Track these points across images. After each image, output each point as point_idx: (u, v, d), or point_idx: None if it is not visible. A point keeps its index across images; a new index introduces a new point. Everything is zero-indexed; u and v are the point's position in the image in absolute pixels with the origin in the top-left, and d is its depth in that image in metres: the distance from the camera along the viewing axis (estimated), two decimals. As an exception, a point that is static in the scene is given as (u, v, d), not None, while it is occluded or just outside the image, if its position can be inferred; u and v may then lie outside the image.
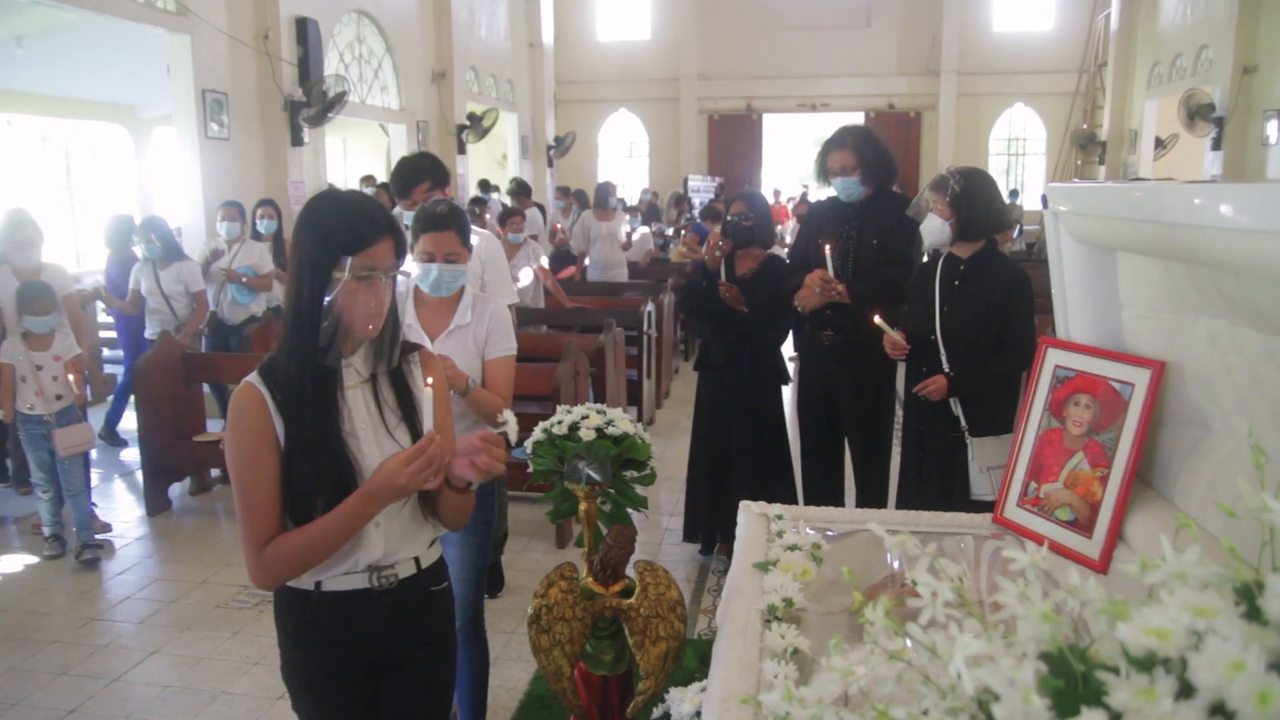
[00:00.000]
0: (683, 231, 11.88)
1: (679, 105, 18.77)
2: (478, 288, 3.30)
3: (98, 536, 4.59)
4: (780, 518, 2.08)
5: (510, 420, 1.90)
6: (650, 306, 6.89)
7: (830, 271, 3.63)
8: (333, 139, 13.59)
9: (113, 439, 6.43)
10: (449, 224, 2.53)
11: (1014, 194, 15.23)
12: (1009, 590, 0.77)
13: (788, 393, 4.38)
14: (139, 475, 5.28)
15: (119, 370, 7.62)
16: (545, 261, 7.20)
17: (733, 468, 4.08)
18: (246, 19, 8.60)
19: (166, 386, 5.24)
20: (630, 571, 2.23)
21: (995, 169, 17.66)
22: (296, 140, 9.09)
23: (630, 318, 6.66)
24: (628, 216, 8.94)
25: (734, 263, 4.04)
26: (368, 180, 10.91)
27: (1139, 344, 1.91)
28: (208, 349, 6.16)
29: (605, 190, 9.02)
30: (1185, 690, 0.63)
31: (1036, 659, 0.71)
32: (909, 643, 0.83)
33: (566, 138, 17.08)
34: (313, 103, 9.05)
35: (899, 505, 3.56)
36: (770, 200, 8.72)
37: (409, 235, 2.52)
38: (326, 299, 1.65)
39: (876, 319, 3.18)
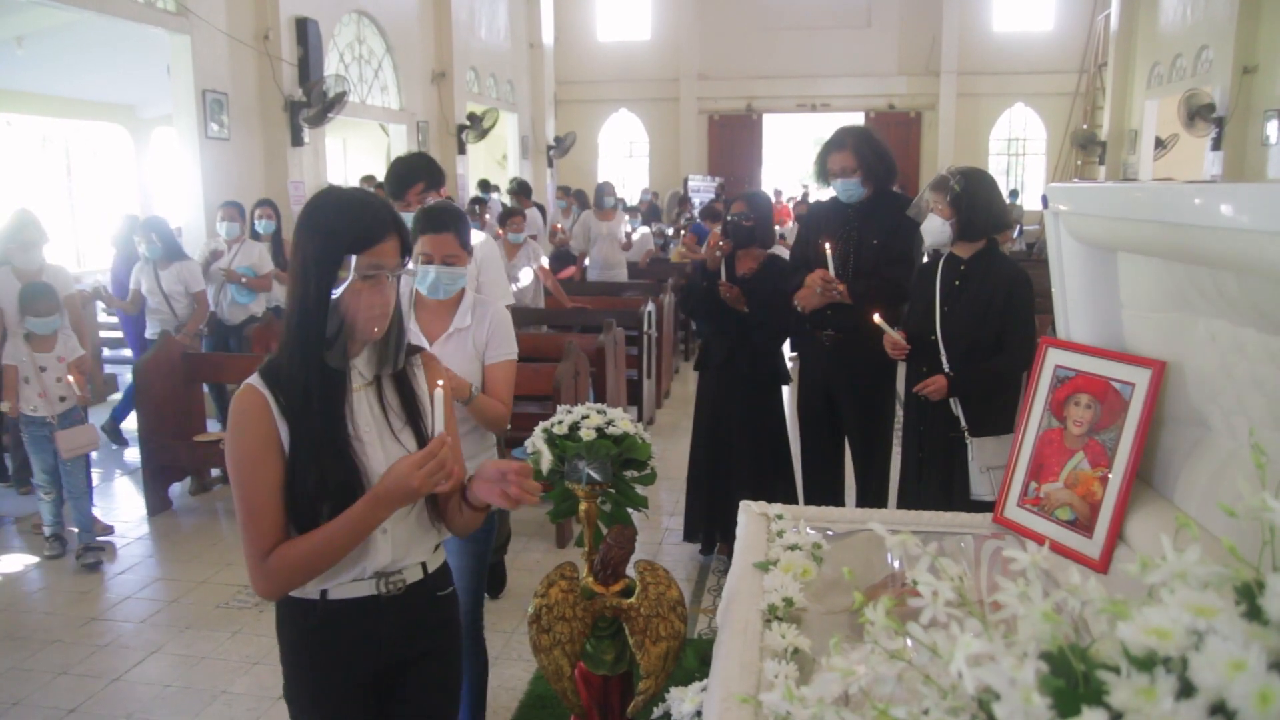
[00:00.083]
0: (682, 232, 11.89)
1: (679, 105, 18.77)
2: (473, 289, 3.27)
3: (99, 539, 4.57)
4: (780, 517, 2.09)
5: (544, 451, 1.79)
6: (650, 306, 6.89)
7: (831, 272, 3.63)
8: (333, 139, 13.60)
9: (116, 436, 6.43)
10: (448, 225, 2.50)
11: (1014, 194, 15.24)
12: (1010, 590, 0.78)
13: (788, 393, 4.39)
14: (139, 475, 5.28)
15: (119, 370, 7.63)
16: (545, 261, 7.20)
17: (733, 467, 4.08)
18: (246, 19, 8.60)
19: (167, 386, 5.24)
20: (631, 571, 2.23)
21: (995, 169, 17.66)
22: (297, 140, 9.09)
23: (630, 318, 6.66)
24: (626, 217, 8.93)
25: (734, 263, 4.04)
26: (368, 180, 10.91)
27: (1139, 344, 1.92)
28: (207, 349, 6.16)
29: (603, 190, 9.03)
30: (1186, 690, 0.63)
31: (1037, 658, 0.71)
32: (909, 642, 0.83)
33: (566, 138, 17.08)
34: (313, 103, 9.05)
35: (899, 505, 3.56)
36: (772, 199, 8.72)
37: None
38: (332, 298, 1.60)
39: (876, 318, 3.18)
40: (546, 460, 1.76)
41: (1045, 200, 2.12)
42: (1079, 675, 0.70)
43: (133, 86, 11.46)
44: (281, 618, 1.75)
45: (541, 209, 11.80)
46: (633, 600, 2.13)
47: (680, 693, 1.39)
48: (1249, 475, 1.53)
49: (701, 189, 16.29)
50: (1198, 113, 12.14)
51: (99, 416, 6.41)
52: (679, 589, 2.18)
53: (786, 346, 4.18)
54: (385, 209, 1.66)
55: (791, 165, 20.60)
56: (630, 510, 2.46)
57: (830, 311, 3.73)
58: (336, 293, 1.59)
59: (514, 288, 6.31)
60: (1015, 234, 11.92)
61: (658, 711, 1.45)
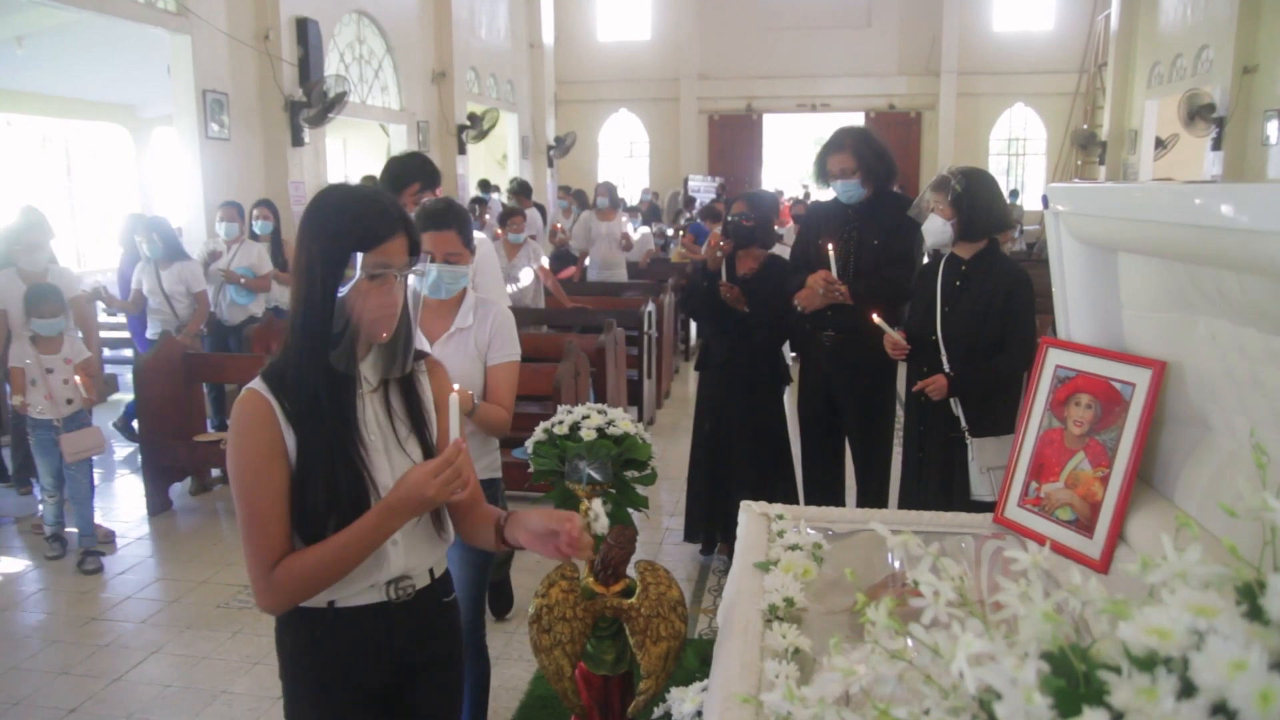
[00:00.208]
0: (681, 232, 11.89)
1: (679, 105, 18.77)
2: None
3: (100, 549, 4.54)
4: (781, 517, 2.09)
5: (600, 513, 1.71)
6: (651, 306, 6.89)
7: (833, 272, 3.63)
8: (333, 139, 13.60)
9: (131, 434, 6.43)
10: (450, 222, 2.44)
11: (1014, 194, 15.24)
12: (1010, 590, 0.78)
13: (788, 393, 4.39)
14: (139, 475, 5.28)
15: (120, 370, 7.63)
16: (545, 261, 7.21)
17: (733, 468, 4.08)
18: (247, 19, 8.60)
19: (167, 387, 5.24)
20: (631, 571, 2.23)
21: (995, 169, 17.66)
22: (297, 140, 9.10)
23: (631, 318, 6.66)
24: (625, 217, 8.93)
25: (735, 262, 4.04)
26: (368, 181, 10.91)
27: (1140, 344, 1.92)
28: (207, 350, 6.16)
29: (600, 190, 9.03)
30: (1187, 689, 0.64)
31: (1038, 658, 0.71)
32: (910, 642, 0.83)
33: (567, 138, 17.09)
34: (313, 103, 9.06)
35: (900, 506, 3.56)
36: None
37: None
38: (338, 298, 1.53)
39: (876, 318, 3.18)
40: (602, 523, 1.67)
41: (1045, 200, 2.12)
42: (1080, 675, 0.70)
43: (133, 86, 11.47)
44: (283, 629, 1.67)
45: (541, 209, 11.81)
46: (633, 600, 2.13)
47: (681, 693, 1.39)
48: (1250, 475, 1.53)
49: (702, 189, 16.30)
50: (1198, 113, 12.15)
51: (101, 417, 6.42)
52: (679, 589, 2.18)
53: (787, 346, 4.17)
54: (393, 206, 1.60)
55: (792, 165, 20.60)
56: (631, 510, 2.46)
57: (830, 312, 3.73)
58: (342, 292, 1.52)
59: (514, 288, 6.32)
60: (1016, 234, 11.92)
61: (658, 711, 1.45)
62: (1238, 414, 1.66)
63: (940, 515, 2.18)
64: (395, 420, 1.65)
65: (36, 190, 11.24)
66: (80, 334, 4.71)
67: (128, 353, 7.18)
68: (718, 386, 4.14)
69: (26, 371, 4.32)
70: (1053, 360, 2.06)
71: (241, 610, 3.96)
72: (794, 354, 4.39)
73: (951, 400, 3.17)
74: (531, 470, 2.48)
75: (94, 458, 4.59)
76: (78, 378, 4.38)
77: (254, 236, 6.63)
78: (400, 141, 12.21)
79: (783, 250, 4.78)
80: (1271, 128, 11.20)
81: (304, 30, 9.06)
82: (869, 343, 3.41)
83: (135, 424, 6.46)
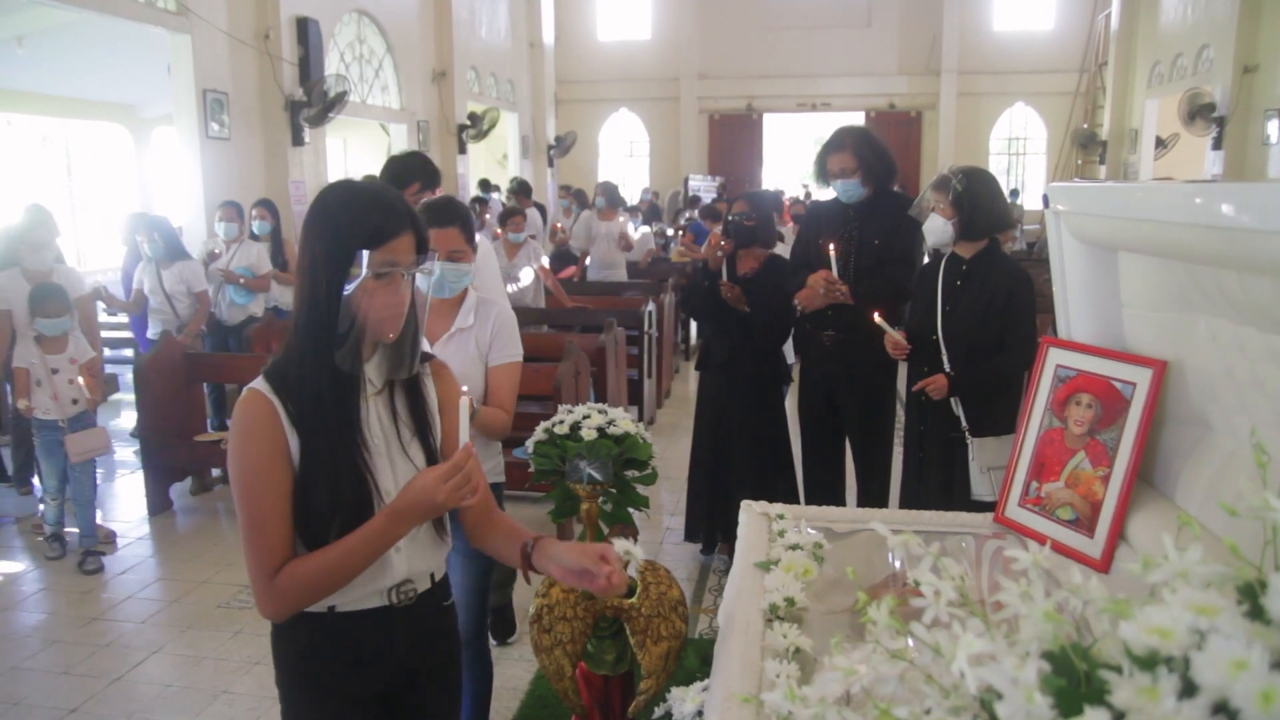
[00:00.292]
0: (681, 232, 11.89)
1: (679, 105, 18.78)
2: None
3: (101, 550, 4.53)
4: (782, 517, 2.09)
5: (635, 553, 1.66)
6: (651, 306, 6.89)
7: (834, 272, 3.62)
8: (333, 139, 13.60)
9: None
10: (453, 219, 2.40)
11: (1014, 193, 15.25)
12: (1011, 589, 0.78)
13: (789, 392, 4.39)
14: (140, 475, 5.28)
15: (120, 370, 7.63)
16: (546, 261, 7.21)
17: (734, 467, 4.08)
18: (247, 19, 8.60)
19: (168, 386, 5.24)
20: (632, 571, 2.23)
21: (996, 168, 17.66)
22: (297, 140, 9.10)
23: (631, 317, 6.66)
24: (623, 217, 8.93)
25: (735, 262, 4.04)
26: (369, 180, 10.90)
27: (1140, 343, 1.92)
28: (207, 350, 6.15)
29: (609, 189, 9.03)
30: (1188, 689, 0.63)
31: (1039, 658, 0.71)
32: (911, 642, 0.83)
33: (567, 137, 17.09)
34: (313, 102, 9.06)
35: (900, 505, 3.56)
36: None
37: None
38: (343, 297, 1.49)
39: (876, 318, 3.18)
40: (636, 564, 1.61)
41: (1046, 199, 2.12)
42: (1081, 675, 0.70)
43: (133, 86, 11.47)
44: (281, 634, 1.62)
45: (542, 209, 11.81)
46: (634, 600, 2.13)
47: (681, 692, 1.39)
48: (1250, 474, 1.53)
49: (702, 188, 16.30)
50: (1198, 112, 12.14)
51: (101, 417, 6.42)
52: (680, 589, 2.18)
53: (789, 346, 4.17)
54: (400, 202, 1.55)
55: (792, 165, 20.60)
56: (631, 510, 2.46)
57: (831, 311, 3.73)
58: (348, 290, 1.48)
59: (514, 287, 6.32)
60: (1016, 233, 11.92)
61: (659, 711, 1.45)
62: (1238, 413, 1.66)
63: (941, 515, 2.18)
64: (399, 424, 1.61)
65: (37, 190, 11.25)
66: (86, 334, 4.70)
67: (128, 352, 7.18)
68: (718, 386, 4.14)
69: (31, 372, 4.29)
70: (1053, 360, 2.06)
71: (242, 610, 3.96)
72: (796, 356, 4.38)
73: (952, 400, 3.17)
74: (532, 470, 2.48)
75: (96, 458, 4.58)
76: (81, 378, 4.37)
77: (254, 237, 6.63)
78: (401, 141, 12.21)
79: (784, 250, 4.78)
80: (1272, 127, 11.20)
81: (304, 30, 9.06)
82: (869, 342, 3.41)
83: None
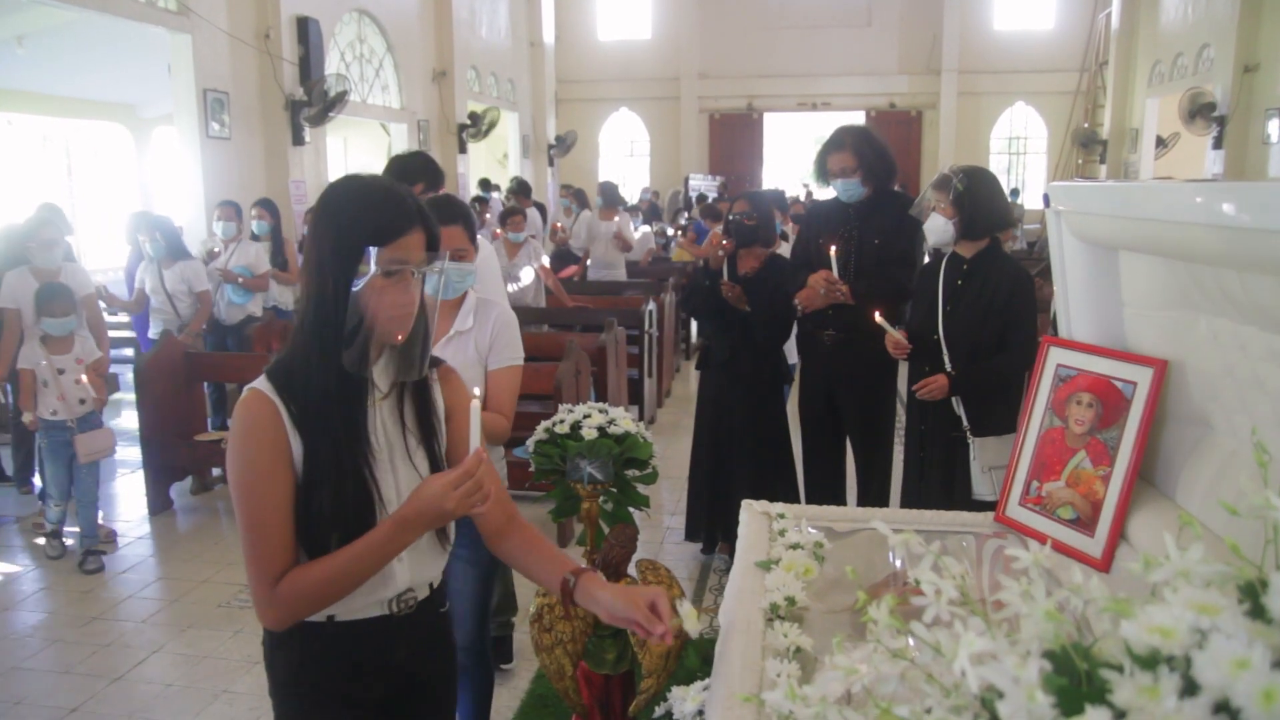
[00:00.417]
0: (680, 231, 11.89)
1: (680, 104, 18.78)
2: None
3: (101, 549, 4.52)
4: (782, 516, 2.09)
5: (689, 613, 1.56)
6: (651, 305, 6.89)
7: (835, 273, 3.62)
8: (334, 138, 13.61)
9: None
10: (456, 217, 2.34)
11: (1015, 193, 15.25)
12: (1012, 589, 0.78)
13: (789, 392, 4.39)
14: (140, 475, 5.28)
15: (120, 370, 7.63)
16: (546, 260, 7.21)
17: (734, 467, 4.08)
18: (247, 18, 8.60)
19: (168, 386, 5.24)
20: (632, 570, 2.23)
21: (996, 168, 17.65)
22: (298, 140, 9.10)
23: (631, 317, 6.66)
24: (618, 218, 8.95)
25: (736, 261, 4.04)
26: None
27: (1141, 342, 1.91)
28: (205, 350, 6.15)
29: (608, 189, 9.04)
30: (1189, 688, 0.63)
31: (1040, 657, 0.71)
32: (912, 641, 0.83)
33: (567, 137, 17.09)
34: (314, 102, 9.06)
35: (901, 505, 3.56)
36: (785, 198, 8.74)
37: None
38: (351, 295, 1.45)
39: (877, 317, 3.17)
40: (692, 624, 1.51)
41: (1046, 199, 2.12)
42: (1082, 674, 0.70)
43: (133, 86, 11.48)
44: (277, 643, 1.56)
45: (542, 208, 11.82)
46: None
47: (682, 692, 1.38)
48: (1251, 474, 1.53)
49: (703, 188, 16.30)
50: (1199, 111, 12.14)
51: (104, 417, 6.42)
52: (680, 588, 2.18)
53: (790, 346, 4.17)
54: (410, 199, 1.50)
55: (792, 164, 20.60)
56: (632, 509, 2.46)
57: (831, 311, 3.73)
58: (355, 288, 1.43)
59: (515, 287, 6.32)
60: (1016, 233, 11.92)
61: (659, 711, 1.45)
62: (1239, 413, 1.66)
63: (941, 514, 2.18)
64: (405, 430, 1.56)
65: (37, 190, 11.25)
66: (92, 333, 4.69)
67: (128, 352, 7.18)
68: (719, 386, 4.14)
69: (37, 373, 4.27)
70: (1054, 359, 2.06)
71: (242, 610, 3.96)
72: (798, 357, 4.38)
73: (953, 399, 3.17)
74: (532, 469, 2.48)
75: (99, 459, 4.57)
76: (85, 377, 4.35)
77: (254, 237, 6.63)
78: (401, 140, 12.21)
79: (787, 250, 4.78)
80: (1272, 126, 11.20)
81: (304, 29, 9.06)
82: (869, 342, 3.41)
83: None
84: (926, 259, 3.73)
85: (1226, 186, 1.40)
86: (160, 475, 5.21)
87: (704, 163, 18.86)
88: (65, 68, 10.10)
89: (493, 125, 13.73)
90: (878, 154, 3.71)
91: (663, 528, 4.79)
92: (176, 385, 5.30)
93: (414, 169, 3.26)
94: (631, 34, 18.87)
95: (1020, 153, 18.90)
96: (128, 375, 7.05)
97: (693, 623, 1.50)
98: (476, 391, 1.49)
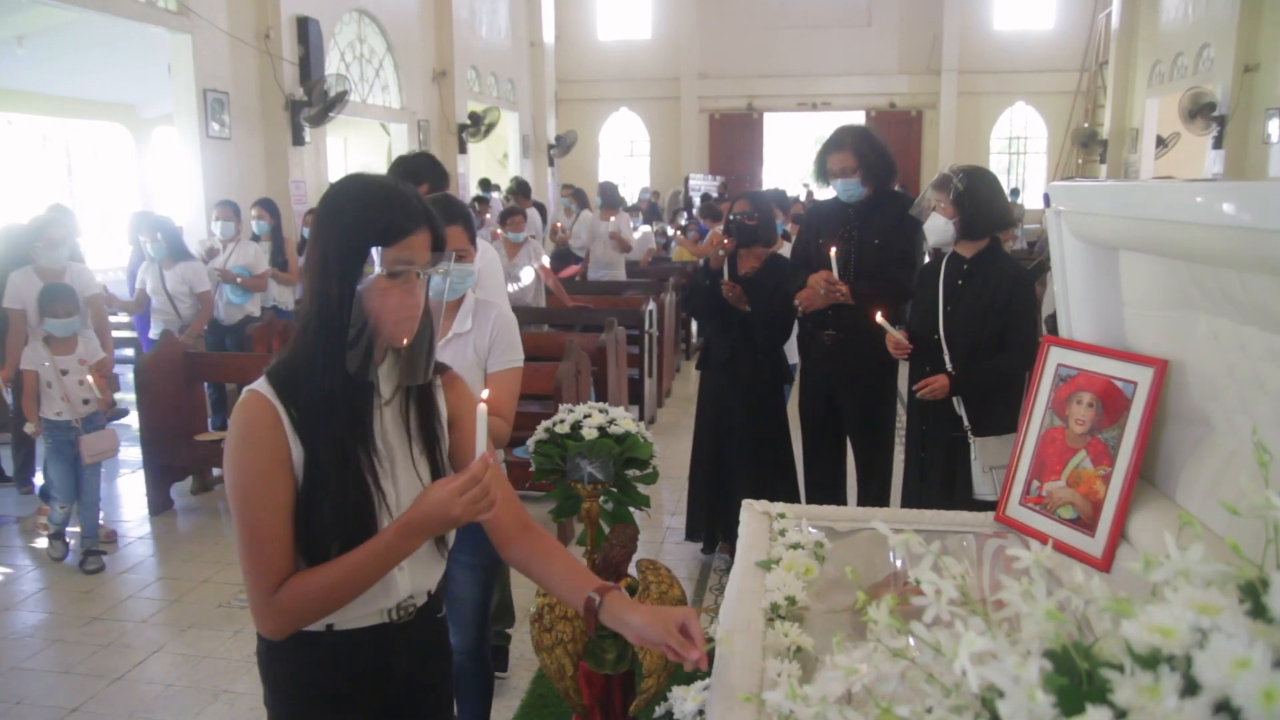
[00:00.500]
0: (679, 231, 11.89)
1: (680, 104, 18.78)
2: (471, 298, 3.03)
3: (102, 549, 4.51)
4: (783, 516, 2.09)
5: (724, 638, 1.53)
6: (652, 305, 6.89)
7: (835, 273, 3.62)
8: (334, 138, 13.61)
9: None
10: (455, 217, 2.29)
11: (1015, 193, 15.25)
12: (1013, 588, 0.78)
13: (789, 392, 4.39)
14: (140, 475, 5.28)
15: (121, 369, 7.63)
16: (546, 260, 7.21)
17: (734, 466, 4.08)
18: (247, 18, 8.60)
19: (168, 386, 5.24)
20: (633, 570, 2.23)
21: (996, 168, 17.64)
22: (298, 140, 9.10)
23: (632, 316, 6.66)
24: (613, 217, 8.96)
25: (737, 261, 4.04)
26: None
27: (1141, 342, 1.92)
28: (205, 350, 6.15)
29: (606, 189, 9.05)
30: (1190, 688, 0.63)
31: (1041, 656, 0.71)
32: (912, 641, 0.83)
33: (567, 137, 17.09)
34: (314, 102, 9.06)
35: (902, 505, 3.56)
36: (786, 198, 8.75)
37: None
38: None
39: (878, 318, 3.17)
40: (728, 646, 1.47)
41: (1047, 198, 2.12)
42: (1083, 673, 0.70)
43: (133, 86, 11.48)
44: (273, 654, 1.52)
45: (541, 208, 11.82)
46: (635, 599, 2.13)
47: (682, 691, 1.38)
48: (1251, 474, 1.53)
49: (703, 188, 16.30)
50: (1199, 111, 12.14)
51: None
52: (681, 588, 2.18)
53: (791, 346, 4.18)
54: (416, 198, 1.46)
55: (793, 164, 20.61)
56: (632, 509, 2.46)
57: (831, 311, 3.73)
58: (359, 289, 1.40)
59: (515, 287, 6.32)
60: (1017, 232, 11.91)
61: (660, 710, 1.45)
62: (1239, 412, 1.66)
63: (941, 514, 2.18)
64: (408, 435, 1.52)
65: (37, 190, 11.26)
66: (97, 334, 4.69)
67: (129, 352, 7.18)
68: (719, 385, 4.14)
69: (41, 375, 4.26)
70: (1054, 359, 2.06)
71: (243, 609, 3.96)
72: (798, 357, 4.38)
73: (954, 399, 3.17)
74: (533, 469, 2.48)
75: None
76: (90, 378, 4.33)
77: (255, 238, 6.63)
78: (401, 140, 12.21)
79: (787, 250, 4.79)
80: (1272, 126, 11.20)
81: (304, 29, 9.06)
82: (869, 342, 3.41)
83: None
84: (926, 259, 3.73)
85: (1226, 186, 1.40)
86: (160, 475, 5.21)
87: (704, 163, 18.87)
88: (65, 68, 10.10)
89: (493, 125, 13.73)
90: (878, 154, 3.71)
91: (663, 527, 4.79)
92: (177, 385, 5.30)
93: (419, 169, 3.22)
94: (631, 34, 18.87)
95: (1020, 153, 18.90)
96: (128, 375, 7.06)
97: (728, 645, 1.47)
98: (486, 392, 1.46)
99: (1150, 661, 0.66)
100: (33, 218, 4.92)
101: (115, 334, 7.30)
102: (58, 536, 4.50)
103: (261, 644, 1.53)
